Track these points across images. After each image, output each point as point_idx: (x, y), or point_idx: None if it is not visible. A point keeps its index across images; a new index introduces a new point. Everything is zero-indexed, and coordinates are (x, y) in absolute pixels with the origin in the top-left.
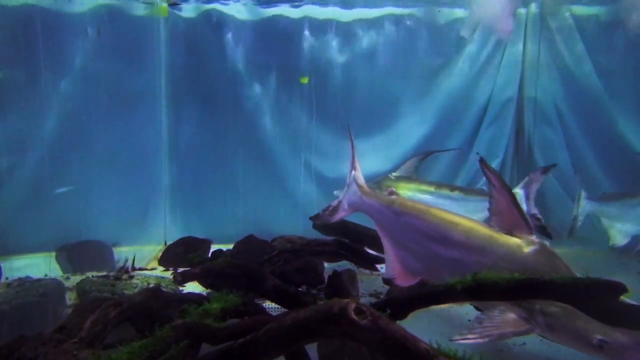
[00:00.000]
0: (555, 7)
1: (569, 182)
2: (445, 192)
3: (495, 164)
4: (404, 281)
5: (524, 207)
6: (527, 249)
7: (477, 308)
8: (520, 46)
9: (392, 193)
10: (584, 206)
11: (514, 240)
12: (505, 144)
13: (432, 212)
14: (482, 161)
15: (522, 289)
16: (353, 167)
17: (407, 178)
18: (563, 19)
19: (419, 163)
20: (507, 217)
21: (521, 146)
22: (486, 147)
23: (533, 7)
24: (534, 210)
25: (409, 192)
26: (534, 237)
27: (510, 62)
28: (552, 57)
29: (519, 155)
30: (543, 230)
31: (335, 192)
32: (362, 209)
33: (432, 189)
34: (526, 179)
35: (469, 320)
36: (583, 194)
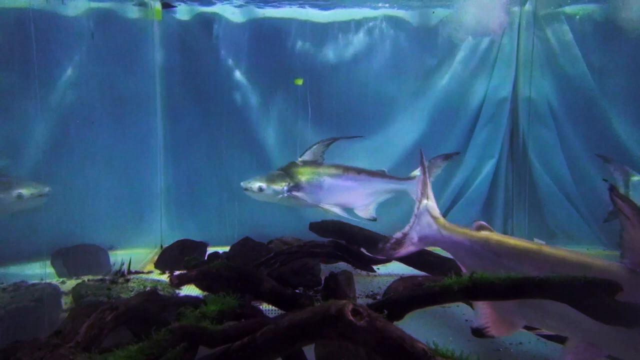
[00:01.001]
0: (549, 7)
1: (564, 182)
2: (353, 174)
3: (490, 164)
4: (501, 331)
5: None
6: None
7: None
8: (514, 46)
9: (481, 227)
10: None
11: None
12: (500, 144)
13: (544, 252)
14: (612, 189)
15: (519, 288)
16: (424, 196)
17: (314, 162)
18: (557, 19)
19: (325, 148)
20: None
21: (516, 146)
22: (481, 147)
23: (527, 7)
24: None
25: (316, 175)
26: None
27: (504, 62)
28: (546, 57)
29: (513, 155)
30: None
31: (241, 184)
32: (440, 244)
33: (340, 171)
34: (427, 163)
35: (466, 321)
36: (636, 177)
